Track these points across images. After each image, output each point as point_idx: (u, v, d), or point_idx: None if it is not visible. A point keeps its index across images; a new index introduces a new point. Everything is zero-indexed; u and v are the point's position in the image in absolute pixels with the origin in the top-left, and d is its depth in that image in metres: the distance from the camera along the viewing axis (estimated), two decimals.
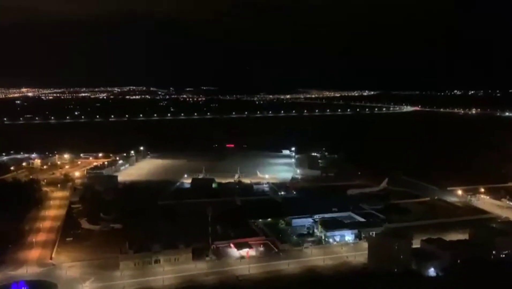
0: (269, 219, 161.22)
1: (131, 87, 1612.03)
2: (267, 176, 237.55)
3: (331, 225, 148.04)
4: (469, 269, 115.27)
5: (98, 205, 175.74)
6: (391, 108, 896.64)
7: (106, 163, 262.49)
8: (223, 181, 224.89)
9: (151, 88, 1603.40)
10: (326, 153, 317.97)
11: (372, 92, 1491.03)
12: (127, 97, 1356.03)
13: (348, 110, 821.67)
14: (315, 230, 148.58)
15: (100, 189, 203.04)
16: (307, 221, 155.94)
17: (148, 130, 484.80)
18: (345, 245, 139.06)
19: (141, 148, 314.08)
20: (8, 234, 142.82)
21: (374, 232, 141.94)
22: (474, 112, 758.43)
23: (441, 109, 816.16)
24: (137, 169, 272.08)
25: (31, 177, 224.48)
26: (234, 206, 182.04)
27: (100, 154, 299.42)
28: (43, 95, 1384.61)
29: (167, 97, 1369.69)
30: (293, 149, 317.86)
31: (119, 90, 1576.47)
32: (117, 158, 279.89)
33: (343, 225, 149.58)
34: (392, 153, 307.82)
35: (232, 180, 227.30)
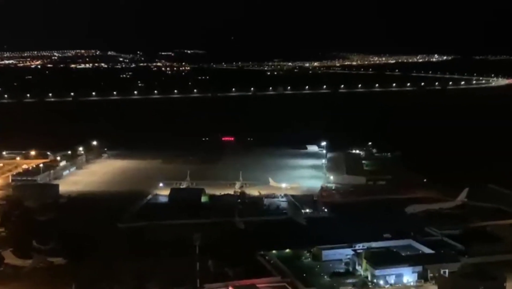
0: (287, 250, 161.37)
1: (79, 51, 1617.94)
2: (284, 185, 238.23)
3: (382, 259, 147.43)
4: None
5: (29, 229, 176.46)
6: (474, 81, 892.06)
7: (41, 165, 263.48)
8: (218, 192, 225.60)
9: (109, 53, 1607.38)
10: (374, 151, 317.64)
11: (444, 57, 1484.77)
12: (73, 66, 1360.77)
13: (408, 84, 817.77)
14: (357, 267, 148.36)
15: (32, 205, 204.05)
16: (345, 253, 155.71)
17: (104, 116, 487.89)
18: None
19: (94, 143, 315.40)
20: None
21: (447, 270, 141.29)
22: None
23: None
24: (88, 174, 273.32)
25: None
26: (234, 230, 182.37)
27: (32, 152, 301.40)
28: None
29: (133, 65, 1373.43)
30: (323, 144, 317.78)
31: (60, 55, 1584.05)
32: (58, 158, 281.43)
33: (399, 259, 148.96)
34: (473, 152, 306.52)
35: (231, 192, 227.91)
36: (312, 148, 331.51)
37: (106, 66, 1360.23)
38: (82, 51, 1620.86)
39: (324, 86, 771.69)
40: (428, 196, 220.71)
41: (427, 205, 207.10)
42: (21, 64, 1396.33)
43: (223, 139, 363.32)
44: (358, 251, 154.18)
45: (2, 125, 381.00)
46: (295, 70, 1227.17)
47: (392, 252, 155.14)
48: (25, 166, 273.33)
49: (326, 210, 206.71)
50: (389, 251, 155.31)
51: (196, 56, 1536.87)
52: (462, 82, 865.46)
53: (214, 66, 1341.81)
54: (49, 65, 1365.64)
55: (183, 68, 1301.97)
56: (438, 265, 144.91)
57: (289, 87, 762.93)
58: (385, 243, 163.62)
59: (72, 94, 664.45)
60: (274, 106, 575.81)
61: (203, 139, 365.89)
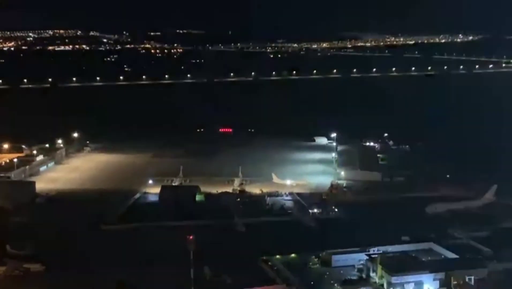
0: (293, 255, 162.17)
1: (57, 31, 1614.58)
2: (289, 181, 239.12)
3: (399, 265, 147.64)
4: None
5: (2, 232, 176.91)
6: (503, 64, 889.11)
7: (15, 160, 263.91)
8: (214, 190, 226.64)
9: (91, 33, 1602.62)
10: (391, 143, 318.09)
11: (470, 37, 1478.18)
12: (50, 48, 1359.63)
13: (429, 68, 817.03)
14: (372, 274, 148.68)
15: (5, 206, 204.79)
16: (358, 258, 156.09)
17: (87, 104, 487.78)
18: None
19: (75, 135, 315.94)
20: None
21: (473, 277, 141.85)
22: None
23: None
24: (68, 170, 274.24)
25: None
26: (233, 233, 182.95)
27: (5, 146, 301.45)
28: None
29: (118, 47, 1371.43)
30: (333, 136, 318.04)
31: (36, 36, 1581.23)
32: (34, 152, 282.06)
33: (419, 265, 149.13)
34: (504, 144, 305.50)
35: (229, 190, 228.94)
36: (321, 140, 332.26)
37: (87, 48, 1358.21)
38: (61, 31, 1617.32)
39: (335, 70, 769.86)
40: (452, 194, 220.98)
41: (451, 204, 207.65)
42: None
43: (220, 130, 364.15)
44: (373, 256, 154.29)
45: None
46: (302, 52, 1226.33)
47: (411, 257, 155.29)
48: None
49: (336, 210, 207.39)
50: (408, 256, 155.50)
51: (189, 37, 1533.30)
52: (491, 66, 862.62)
53: (210, 48, 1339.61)
54: (23, 47, 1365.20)
55: (175, 50, 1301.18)
56: (463, 272, 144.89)
57: (294, 72, 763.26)
58: (403, 247, 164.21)
59: (49, 79, 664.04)
60: (278, 92, 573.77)
61: (198, 130, 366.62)
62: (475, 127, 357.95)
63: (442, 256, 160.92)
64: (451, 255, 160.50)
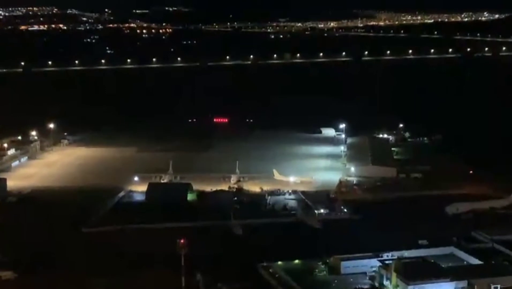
0: (297, 261, 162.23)
1: (30, 8, 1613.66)
2: (292, 178, 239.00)
3: (417, 271, 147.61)
4: None
5: None
6: None
7: None
8: (208, 188, 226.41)
9: (69, 11, 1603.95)
10: (407, 135, 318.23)
11: (496, 16, 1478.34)
12: (23, 27, 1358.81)
13: (450, 50, 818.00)
14: (385, 282, 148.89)
15: None
16: (370, 265, 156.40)
17: (64, 91, 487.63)
18: None
19: (51, 126, 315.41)
20: None
21: (498, 286, 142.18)
22: None
23: None
24: (44, 165, 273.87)
25: None
26: (229, 236, 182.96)
27: None
28: None
29: (100, 27, 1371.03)
30: (342, 127, 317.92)
31: (7, 14, 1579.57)
32: (5, 146, 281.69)
33: (439, 272, 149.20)
34: None
35: (225, 187, 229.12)
36: (328, 131, 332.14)
37: (65, 28, 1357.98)
38: (35, 9, 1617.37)
39: (344, 53, 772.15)
40: (475, 192, 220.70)
41: (474, 204, 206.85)
42: None
43: (215, 120, 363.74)
44: (386, 262, 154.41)
45: None
46: (307, 33, 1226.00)
47: (429, 263, 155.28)
48: None
49: (345, 210, 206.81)
50: (426, 262, 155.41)
51: (180, 15, 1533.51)
52: None
53: (203, 27, 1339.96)
54: None
55: (164, 30, 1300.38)
56: (488, 280, 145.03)
57: (298, 54, 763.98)
58: (420, 252, 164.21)
59: (22, 63, 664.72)
60: (280, 78, 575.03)
61: (190, 120, 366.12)
62: (502, 118, 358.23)
63: (464, 262, 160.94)
64: (474, 261, 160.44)
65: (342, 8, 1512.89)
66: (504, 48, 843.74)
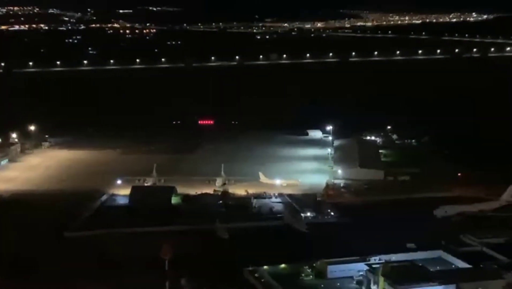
0: (283, 266, 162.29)
1: (11, 8, 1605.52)
2: (278, 181, 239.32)
3: (404, 275, 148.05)
4: None
5: None
6: None
7: None
8: (193, 192, 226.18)
9: (51, 10, 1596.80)
10: (395, 137, 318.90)
11: (484, 16, 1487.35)
12: (3, 27, 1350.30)
13: (438, 51, 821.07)
14: (373, 286, 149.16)
15: None
16: (357, 269, 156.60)
17: (45, 93, 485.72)
18: None
19: (32, 128, 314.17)
20: None
21: None
22: None
23: None
24: (25, 168, 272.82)
25: None
26: (214, 240, 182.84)
27: None
28: None
29: (82, 27, 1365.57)
30: (329, 128, 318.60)
31: None
32: None
33: (427, 276, 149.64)
34: None
35: (210, 191, 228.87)
36: (315, 133, 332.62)
37: (46, 27, 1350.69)
38: (15, 8, 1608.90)
39: (331, 54, 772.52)
40: (464, 195, 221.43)
41: (463, 207, 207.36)
42: None
43: (200, 122, 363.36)
44: (374, 265, 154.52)
45: None
46: (293, 33, 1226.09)
47: (417, 266, 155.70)
48: None
49: (332, 213, 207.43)
50: (414, 266, 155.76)
51: (164, 15, 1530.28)
52: (508, 48, 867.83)
53: (188, 27, 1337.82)
54: None
55: (148, 30, 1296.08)
56: (477, 283, 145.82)
57: (285, 55, 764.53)
58: (408, 256, 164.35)
59: (2, 64, 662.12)
60: (266, 79, 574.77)
61: (174, 122, 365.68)
62: (490, 119, 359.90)
63: (453, 266, 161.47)
64: (462, 264, 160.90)
65: (329, 8, 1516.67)
66: (492, 49, 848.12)
